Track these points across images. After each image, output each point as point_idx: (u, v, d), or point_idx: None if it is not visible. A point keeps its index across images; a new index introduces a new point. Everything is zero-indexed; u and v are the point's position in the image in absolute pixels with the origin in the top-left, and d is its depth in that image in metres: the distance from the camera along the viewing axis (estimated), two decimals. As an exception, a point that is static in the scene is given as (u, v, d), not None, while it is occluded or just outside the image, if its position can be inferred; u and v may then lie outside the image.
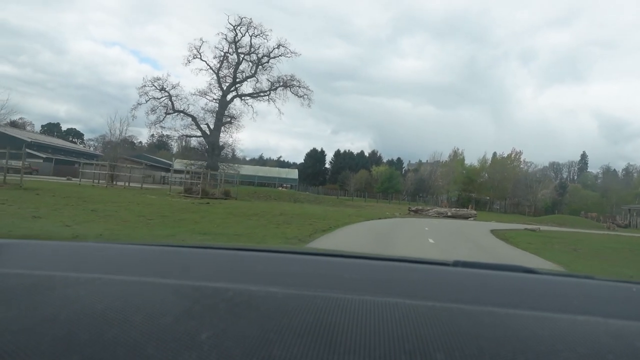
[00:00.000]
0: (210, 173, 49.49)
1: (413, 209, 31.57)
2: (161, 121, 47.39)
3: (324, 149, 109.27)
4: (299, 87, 48.99)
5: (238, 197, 29.14)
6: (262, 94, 50.61)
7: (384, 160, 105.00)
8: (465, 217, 30.92)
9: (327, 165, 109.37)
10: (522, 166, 77.17)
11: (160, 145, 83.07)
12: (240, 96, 50.56)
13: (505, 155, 77.94)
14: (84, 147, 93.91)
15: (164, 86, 47.49)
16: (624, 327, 0.70)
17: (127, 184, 31.93)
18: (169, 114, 48.16)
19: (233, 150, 51.32)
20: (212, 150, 47.64)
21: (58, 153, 68.11)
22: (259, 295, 0.74)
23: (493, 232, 19.54)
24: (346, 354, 0.53)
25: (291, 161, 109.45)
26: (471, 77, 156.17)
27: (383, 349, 0.54)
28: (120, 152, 48.39)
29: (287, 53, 48.93)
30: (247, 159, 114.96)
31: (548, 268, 3.36)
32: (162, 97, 48.09)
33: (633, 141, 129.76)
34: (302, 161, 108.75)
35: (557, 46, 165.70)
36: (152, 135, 51.13)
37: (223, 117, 48.88)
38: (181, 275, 0.95)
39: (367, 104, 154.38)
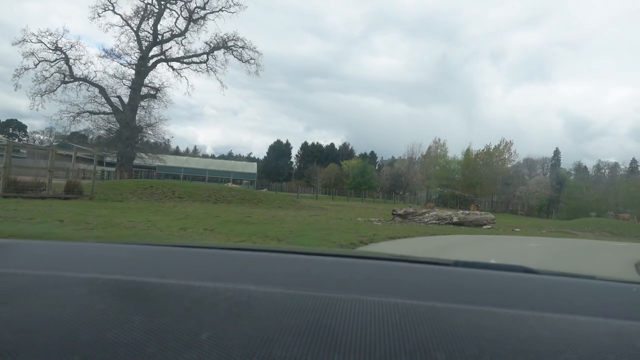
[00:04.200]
0: (122, 162, 37.68)
1: (399, 212, 20.31)
2: (53, 91, 34.62)
3: (289, 141, 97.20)
4: (243, 48, 36.94)
5: (105, 195, 16.99)
6: (195, 58, 38.39)
7: (357, 154, 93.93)
8: (480, 224, 19.91)
9: (294, 160, 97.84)
10: (512, 158, 67.31)
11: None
12: (167, 60, 38.19)
13: (493, 146, 67.89)
14: (26, 140, 79.67)
15: (59, 45, 34.86)
16: (625, 327, 0.70)
17: None
18: (67, 82, 35.38)
19: (150, 132, 38.46)
20: (126, 131, 35.20)
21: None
22: (258, 295, 0.75)
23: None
24: (346, 354, 0.52)
25: (261, 157, 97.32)
26: (443, 75, 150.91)
27: (383, 349, 0.54)
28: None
29: (229, 7, 36.94)
30: (216, 155, 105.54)
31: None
32: (57, 59, 35.43)
33: (596, 140, 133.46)
34: (265, 154, 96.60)
35: (526, 46, 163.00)
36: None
37: (142, 87, 36.58)
38: (181, 275, 0.95)
39: (341, 101, 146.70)
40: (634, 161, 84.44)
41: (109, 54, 35.85)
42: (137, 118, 36.27)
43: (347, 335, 0.57)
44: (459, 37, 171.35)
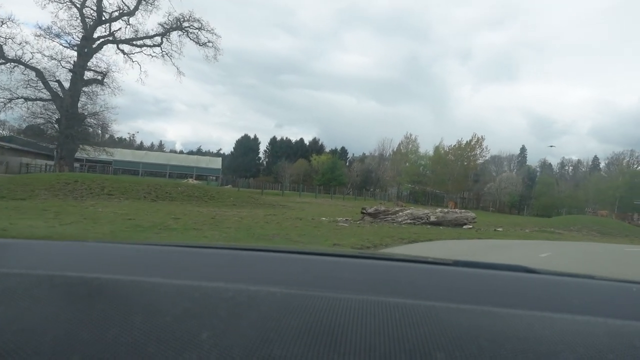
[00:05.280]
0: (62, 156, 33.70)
1: (370, 210, 17.76)
2: (-20, 73, 30.34)
3: (257, 136, 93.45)
4: (200, 30, 33.58)
5: (9, 191, 13.73)
6: (148, 41, 34.71)
7: (327, 149, 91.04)
8: (459, 224, 17.63)
9: (262, 155, 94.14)
10: (484, 154, 66.11)
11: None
12: (116, 42, 34.38)
13: (464, 142, 66.48)
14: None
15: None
16: (625, 326, 0.70)
17: None
18: (-2, 64, 31.21)
19: (103, 124, 34.61)
20: (66, 120, 31.31)
21: None
22: (259, 295, 0.75)
23: None
24: (346, 354, 0.52)
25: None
26: (413, 73, 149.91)
27: (383, 349, 0.54)
28: None
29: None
30: (185, 151, 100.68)
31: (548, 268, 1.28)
32: (-15, 38, 31.08)
33: (559, 138, 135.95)
34: (232, 150, 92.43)
35: (493, 46, 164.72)
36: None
37: (85, 71, 32.68)
38: (181, 275, 0.96)
39: (312, 98, 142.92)
40: (595, 159, 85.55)
41: (47, 32, 31.77)
42: (79, 105, 32.39)
43: (347, 335, 0.57)
44: (428, 36, 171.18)
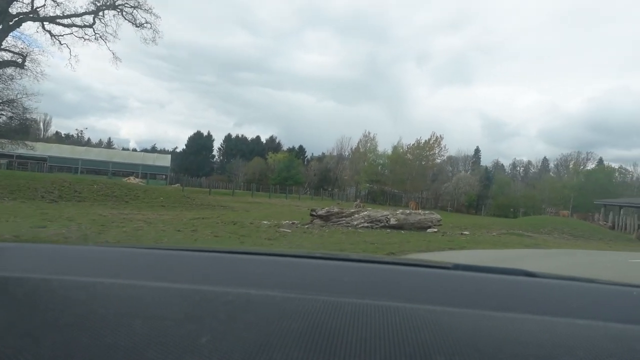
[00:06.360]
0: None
1: (321, 212, 15.20)
2: None
3: (211, 133, 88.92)
4: (135, 8, 29.89)
5: None
6: (77, 21, 30.64)
7: (285, 148, 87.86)
8: (423, 227, 15.41)
9: (216, 153, 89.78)
10: (442, 153, 65.42)
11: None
12: (40, 20, 30.05)
13: (423, 141, 65.46)
14: None
15: None
16: (624, 330, 0.70)
17: None
18: None
19: (22, 114, 30.25)
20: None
21: None
22: (258, 299, 0.74)
23: None
24: (346, 358, 0.52)
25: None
26: (372, 74, 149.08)
27: (383, 353, 0.54)
28: None
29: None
30: (139, 149, 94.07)
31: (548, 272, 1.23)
32: None
33: (508, 140, 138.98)
34: (184, 147, 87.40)
35: (449, 50, 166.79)
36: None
37: (-1, 51, 28.34)
38: (181, 278, 0.95)
39: (272, 97, 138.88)
40: (545, 160, 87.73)
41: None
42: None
43: (347, 338, 0.57)
44: (387, 37, 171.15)
